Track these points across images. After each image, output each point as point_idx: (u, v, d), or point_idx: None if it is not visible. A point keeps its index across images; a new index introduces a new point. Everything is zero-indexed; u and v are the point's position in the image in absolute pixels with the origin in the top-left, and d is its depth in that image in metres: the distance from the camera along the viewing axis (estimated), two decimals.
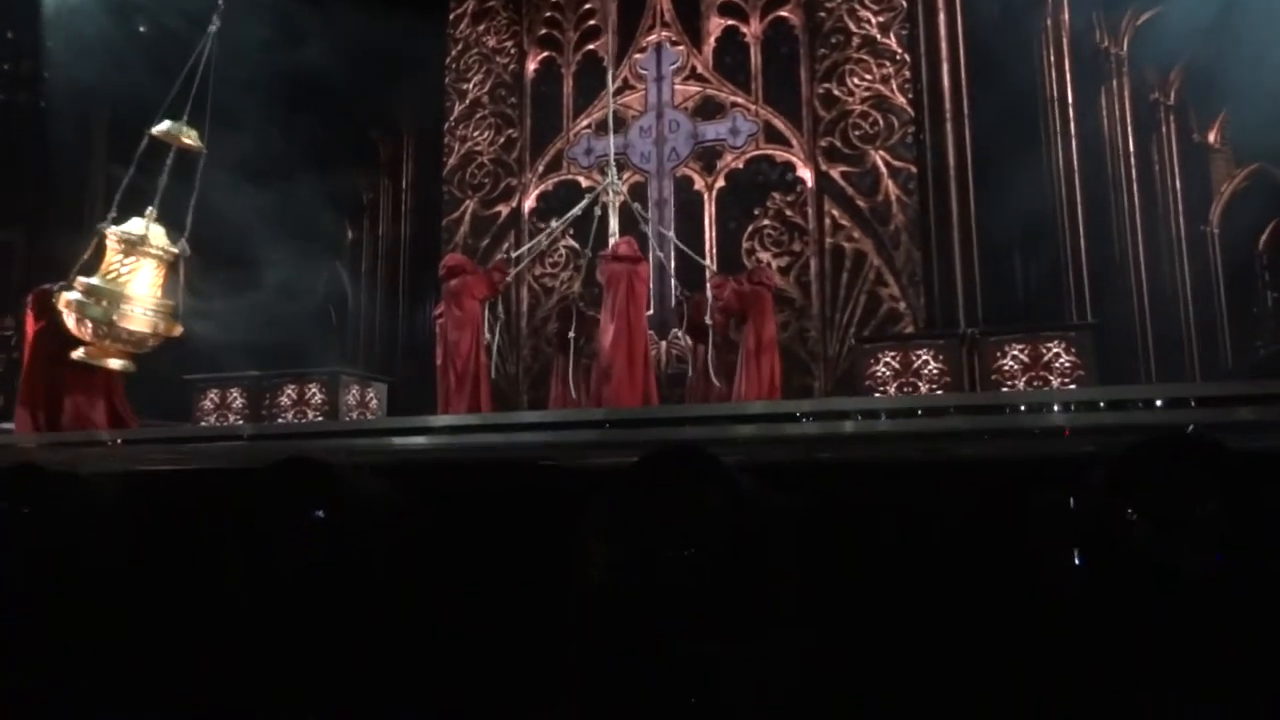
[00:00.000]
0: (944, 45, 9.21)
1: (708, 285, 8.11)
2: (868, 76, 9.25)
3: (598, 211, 8.13)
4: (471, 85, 10.72)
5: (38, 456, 4.49)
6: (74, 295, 6.25)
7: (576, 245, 9.64)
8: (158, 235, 6.55)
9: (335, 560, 2.09)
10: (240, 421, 8.41)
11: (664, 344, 9.33)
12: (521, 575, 2.25)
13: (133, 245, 6.44)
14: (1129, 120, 8.76)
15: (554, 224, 9.24)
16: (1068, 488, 1.61)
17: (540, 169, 10.36)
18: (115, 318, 6.25)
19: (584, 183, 10.00)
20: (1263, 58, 7.03)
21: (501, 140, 10.49)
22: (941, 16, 9.27)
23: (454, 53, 10.86)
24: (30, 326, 6.62)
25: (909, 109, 9.13)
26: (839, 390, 8.59)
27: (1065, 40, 8.97)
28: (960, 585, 1.96)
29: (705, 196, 9.69)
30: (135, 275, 6.47)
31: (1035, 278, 8.67)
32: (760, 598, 1.81)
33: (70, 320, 6.26)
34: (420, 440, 5.23)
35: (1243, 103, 8.13)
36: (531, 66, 10.65)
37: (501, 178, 10.44)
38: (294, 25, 9.22)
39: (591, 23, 10.45)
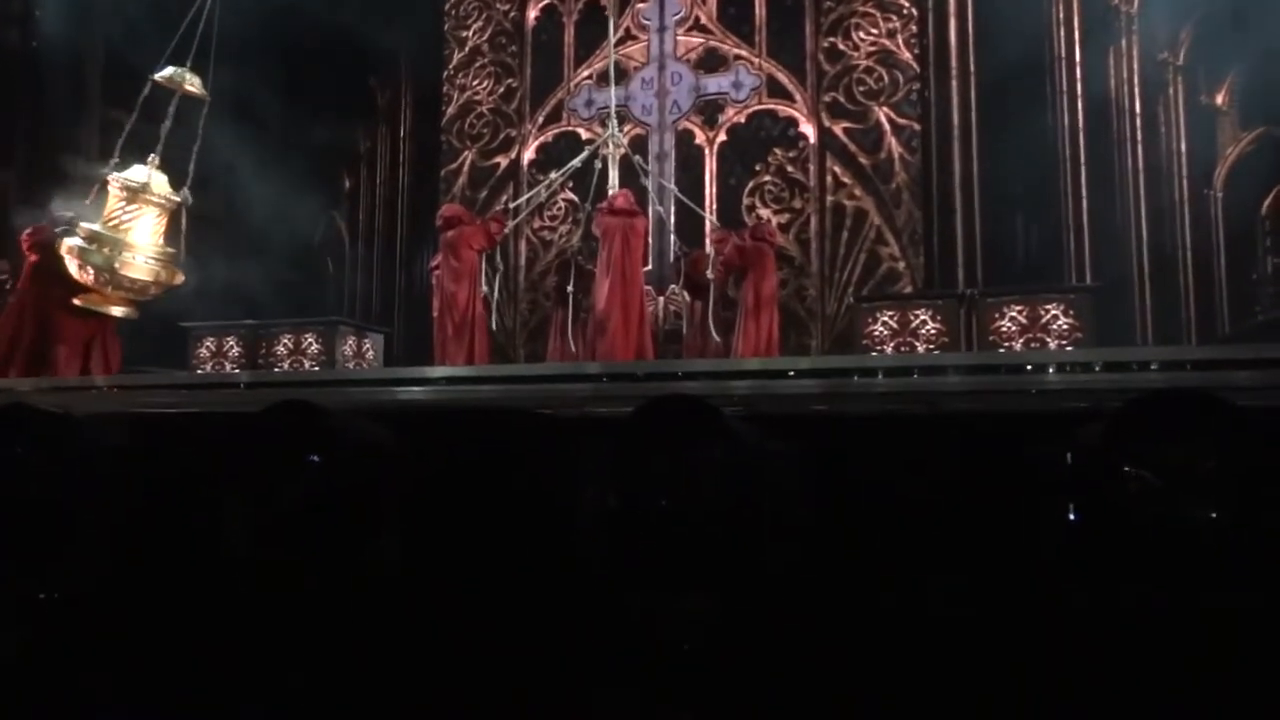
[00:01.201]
0: (951, 1, 9.05)
1: (708, 239, 8.06)
2: (874, 31, 9.10)
3: (597, 165, 8.04)
4: (471, 32, 10.54)
5: (32, 399, 4.49)
6: (76, 241, 6.21)
7: (576, 199, 9.56)
8: (160, 183, 6.50)
9: (331, 505, 2.09)
10: (236, 370, 8.40)
11: (661, 299, 9.29)
12: (518, 523, 2.26)
13: (135, 193, 6.39)
14: (1137, 80, 8.64)
15: (553, 175, 9.16)
16: (1064, 442, 1.61)
17: (540, 120, 10.23)
18: (117, 265, 6.23)
19: (584, 135, 9.88)
20: (1273, 19, 6.93)
21: (501, 90, 10.34)
22: None
23: None
24: (26, 264, 6.61)
25: (914, 65, 9.00)
26: (836, 349, 8.58)
27: None
28: (955, 539, 1.97)
29: (706, 151, 9.59)
30: (137, 223, 6.44)
31: (1036, 239, 8.62)
32: (757, 549, 1.81)
33: (73, 266, 6.25)
34: (417, 390, 5.24)
35: (1252, 65, 8.01)
36: (532, 14, 10.45)
37: (501, 128, 10.31)
38: None
39: None
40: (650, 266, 9.04)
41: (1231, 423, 1.39)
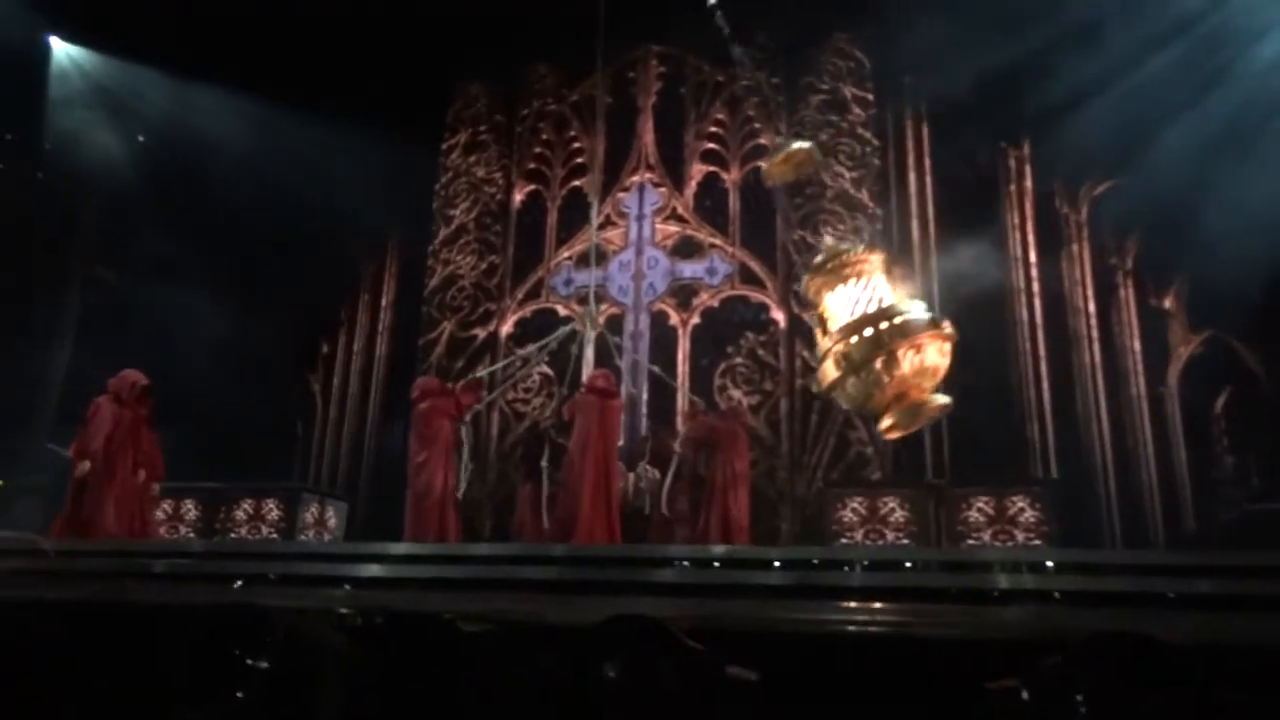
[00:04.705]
0: (913, 202, 9.65)
1: (679, 416, 8.14)
2: (840, 227, 9.56)
3: (574, 350, 8.22)
4: (459, 211, 10.97)
5: None
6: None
7: (551, 373, 9.69)
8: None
9: (275, 710, 2.00)
10: (192, 535, 8.15)
11: (631, 476, 9.25)
12: None
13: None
14: (1089, 282, 9.13)
15: (530, 348, 9.32)
16: (1023, 678, 1.59)
17: (520, 296, 10.53)
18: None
19: (562, 311, 10.15)
20: (1214, 230, 7.38)
21: (484, 265, 10.67)
22: (911, 176, 9.77)
23: (444, 179, 11.15)
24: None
25: None
26: (807, 532, 8.51)
27: (1029, 205, 9.42)
28: None
29: (680, 332, 9.85)
30: None
31: (1000, 430, 8.78)
32: None
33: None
34: (375, 568, 5.09)
35: (1197, 272, 8.48)
36: (518, 197, 10.97)
37: (481, 301, 10.56)
38: (287, 142, 9.49)
39: (579, 160, 10.85)
40: (622, 443, 9.07)
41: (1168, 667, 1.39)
